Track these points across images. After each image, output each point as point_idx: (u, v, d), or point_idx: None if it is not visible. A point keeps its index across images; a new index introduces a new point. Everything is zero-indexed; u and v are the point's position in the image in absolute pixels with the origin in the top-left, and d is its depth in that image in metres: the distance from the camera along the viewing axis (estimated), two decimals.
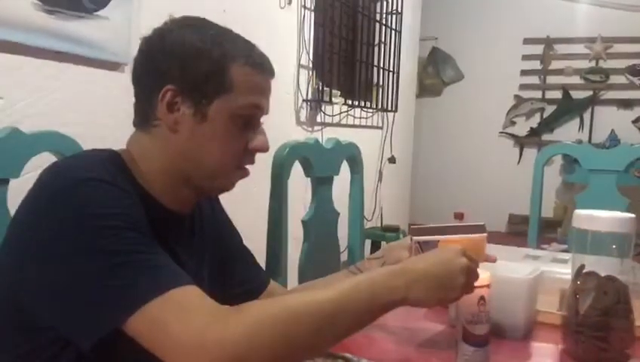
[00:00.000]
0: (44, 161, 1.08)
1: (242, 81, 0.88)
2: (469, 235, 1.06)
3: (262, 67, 0.91)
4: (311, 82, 3.46)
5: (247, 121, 0.91)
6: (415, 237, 1.07)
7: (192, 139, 0.88)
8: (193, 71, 0.87)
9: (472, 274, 0.86)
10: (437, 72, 6.44)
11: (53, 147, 1.11)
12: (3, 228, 1.00)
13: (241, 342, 0.70)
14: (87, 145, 1.13)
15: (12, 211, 1.01)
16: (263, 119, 0.95)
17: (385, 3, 4.48)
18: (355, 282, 0.80)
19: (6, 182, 1.02)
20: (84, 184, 0.78)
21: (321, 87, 3.51)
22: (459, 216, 1.63)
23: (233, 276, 1.11)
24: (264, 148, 0.94)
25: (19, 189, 1.05)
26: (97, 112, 1.97)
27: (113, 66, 2.05)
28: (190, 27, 0.91)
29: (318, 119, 3.63)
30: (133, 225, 0.78)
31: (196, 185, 0.92)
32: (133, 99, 0.93)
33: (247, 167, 0.95)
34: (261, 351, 0.71)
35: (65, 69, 1.88)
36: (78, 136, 1.15)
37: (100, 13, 1.93)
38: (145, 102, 0.90)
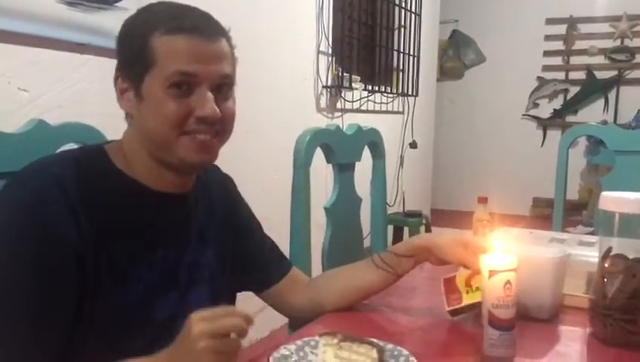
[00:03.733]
0: None
1: (163, 51, 0.85)
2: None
3: (184, 30, 0.86)
4: (330, 68, 3.44)
5: (183, 91, 0.86)
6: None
7: (140, 120, 0.89)
8: (125, 52, 0.90)
9: (213, 336, 0.72)
10: (458, 55, 6.38)
11: (77, 138, 1.12)
12: None
13: None
14: (110, 135, 1.14)
15: None
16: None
17: None
18: None
19: None
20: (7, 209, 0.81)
21: (340, 73, 3.49)
22: (482, 200, 1.62)
23: (250, 261, 1.11)
24: (211, 117, 0.87)
25: None
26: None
27: None
28: (139, 10, 0.92)
29: (339, 105, 3.62)
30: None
31: (165, 163, 0.91)
32: None
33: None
34: None
35: (87, 61, 1.90)
36: (101, 126, 1.16)
37: (120, 4, 1.95)
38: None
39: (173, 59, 0.85)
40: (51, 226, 0.80)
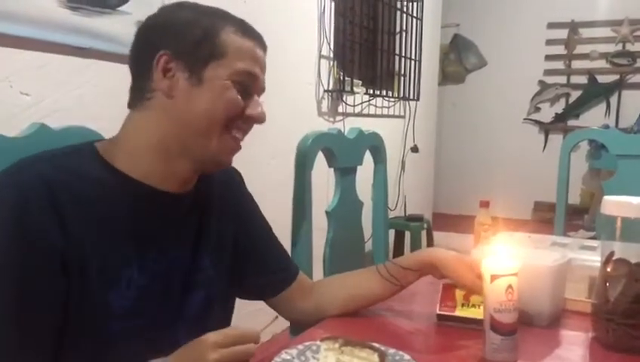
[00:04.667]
0: None
1: (234, 47, 0.89)
2: None
3: (253, 34, 0.93)
4: (332, 72, 3.45)
5: (244, 89, 0.91)
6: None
7: (187, 103, 0.88)
8: (185, 37, 0.89)
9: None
10: (459, 59, 6.38)
11: (79, 142, 1.12)
12: None
13: None
14: None
15: None
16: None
17: None
18: None
19: None
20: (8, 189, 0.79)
21: (342, 77, 3.50)
22: (484, 205, 1.61)
23: (257, 265, 1.09)
24: (260, 118, 0.93)
25: None
26: (121, 106, 1.98)
27: None
28: (180, 6, 0.94)
29: (340, 109, 3.63)
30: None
31: (192, 156, 0.91)
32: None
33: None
34: None
35: (89, 65, 1.91)
36: (103, 130, 1.16)
37: (122, 8, 1.95)
38: (139, 77, 0.92)
39: (242, 57, 0.90)
40: (34, 226, 0.79)
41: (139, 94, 0.91)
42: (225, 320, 1.05)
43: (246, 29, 0.92)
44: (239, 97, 0.90)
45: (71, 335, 0.83)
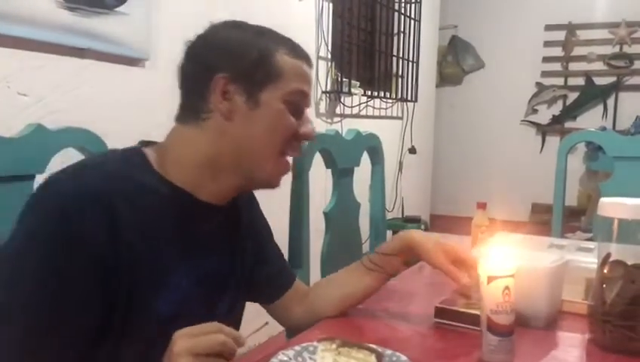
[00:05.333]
0: (68, 156, 1.10)
1: (289, 68, 0.92)
2: None
3: (302, 53, 0.96)
4: (330, 73, 3.45)
5: (296, 108, 0.94)
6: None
7: (245, 126, 0.90)
8: (242, 59, 0.91)
9: (194, 354, 0.71)
10: (457, 60, 6.39)
11: (77, 142, 1.12)
12: None
13: None
14: (109, 139, 1.15)
15: None
16: None
17: None
18: None
19: (32, 177, 1.04)
20: (59, 197, 0.80)
21: (340, 79, 3.50)
22: (481, 206, 1.62)
23: (261, 272, 1.12)
24: (312, 136, 0.97)
25: None
26: (119, 107, 1.99)
27: (134, 62, 2.06)
28: (232, 26, 0.96)
29: (338, 110, 3.63)
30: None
31: (244, 175, 0.94)
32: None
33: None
34: None
35: (87, 66, 1.90)
36: (101, 131, 1.16)
37: (120, 9, 1.95)
38: (194, 97, 0.92)
39: (296, 78, 0.93)
40: (84, 233, 0.79)
41: (193, 112, 0.92)
42: (240, 322, 1.09)
43: (296, 49, 0.95)
44: (293, 119, 0.93)
45: (115, 336, 0.83)
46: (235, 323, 1.06)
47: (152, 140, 0.98)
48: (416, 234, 1.11)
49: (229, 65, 0.90)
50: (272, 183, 0.98)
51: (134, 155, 0.92)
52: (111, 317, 0.82)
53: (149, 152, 0.93)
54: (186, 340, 0.71)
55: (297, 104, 0.94)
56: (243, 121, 0.90)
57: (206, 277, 0.96)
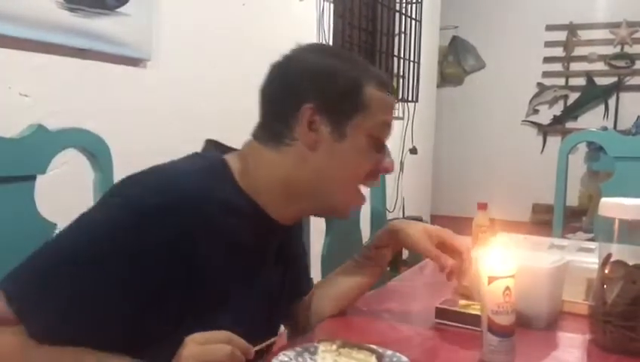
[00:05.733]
0: (69, 157, 1.10)
1: (376, 100, 0.91)
2: None
3: (388, 86, 0.95)
4: None
5: (378, 141, 0.93)
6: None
7: (328, 158, 0.90)
8: (330, 89, 0.90)
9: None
10: (458, 61, 6.39)
11: (78, 143, 1.12)
12: (32, 223, 1.02)
13: None
14: (110, 140, 1.15)
15: (39, 206, 1.03)
16: None
17: None
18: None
19: (33, 178, 1.04)
20: (137, 212, 0.79)
21: None
22: (482, 207, 1.61)
23: (292, 279, 1.11)
24: (391, 170, 0.98)
25: (45, 185, 1.07)
26: (120, 108, 1.99)
27: (135, 62, 2.06)
28: (320, 50, 0.97)
29: None
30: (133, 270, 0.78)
31: (318, 203, 0.95)
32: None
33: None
34: None
35: (88, 66, 1.91)
36: (101, 131, 1.16)
37: (121, 9, 1.95)
38: (278, 121, 0.91)
39: (382, 111, 0.93)
40: (163, 244, 0.79)
41: (275, 136, 0.91)
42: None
43: (384, 82, 0.94)
44: (375, 153, 0.94)
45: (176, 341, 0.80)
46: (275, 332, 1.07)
47: (219, 141, 0.98)
48: (400, 224, 1.12)
49: (317, 94, 0.89)
50: (343, 214, 0.99)
51: (217, 165, 0.91)
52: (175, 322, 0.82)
53: (232, 161, 0.92)
54: (195, 347, 0.72)
55: (380, 137, 0.94)
56: (326, 152, 0.90)
57: (268, 293, 0.97)
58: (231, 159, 0.93)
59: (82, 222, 0.82)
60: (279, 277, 1.02)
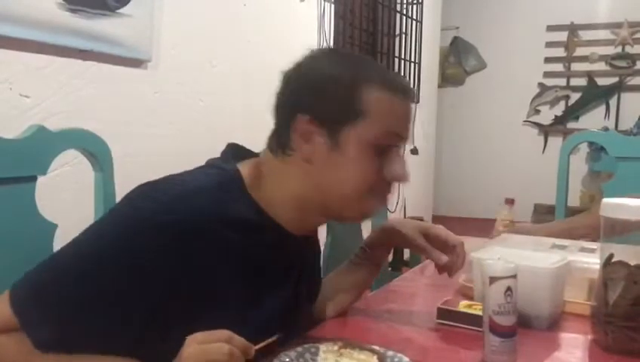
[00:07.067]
0: (70, 158, 1.10)
1: (377, 106, 0.85)
2: None
3: (399, 89, 0.87)
4: None
5: (384, 149, 0.87)
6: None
7: (326, 170, 0.87)
8: (325, 97, 0.86)
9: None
10: (459, 61, 6.38)
11: (79, 144, 1.12)
12: (33, 223, 1.02)
13: None
14: (111, 141, 1.15)
15: (40, 207, 1.03)
16: None
17: None
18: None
19: (34, 178, 1.04)
20: (147, 227, 0.78)
21: None
22: (509, 202, 1.62)
23: (308, 283, 1.10)
24: (402, 179, 0.90)
25: (46, 186, 1.07)
26: (121, 109, 1.99)
27: (136, 63, 2.06)
28: (327, 55, 0.93)
29: None
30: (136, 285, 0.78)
31: (329, 214, 0.93)
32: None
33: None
34: None
35: (89, 67, 1.91)
36: (102, 132, 1.16)
37: (122, 10, 1.95)
38: (281, 131, 0.90)
39: (388, 118, 0.86)
40: (163, 267, 0.78)
41: (279, 145, 0.89)
42: None
43: (391, 82, 0.87)
44: (377, 162, 0.87)
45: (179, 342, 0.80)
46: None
47: (240, 145, 0.96)
48: (393, 222, 1.12)
49: (311, 103, 0.86)
50: (355, 221, 0.98)
51: (231, 178, 0.88)
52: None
53: (246, 172, 0.90)
54: (195, 346, 0.72)
55: (386, 145, 0.87)
56: (323, 163, 0.86)
57: (286, 304, 0.95)
58: (245, 169, 0.90)
59: (91, 232, 0.82)
60: (299, 287, 0.99)
